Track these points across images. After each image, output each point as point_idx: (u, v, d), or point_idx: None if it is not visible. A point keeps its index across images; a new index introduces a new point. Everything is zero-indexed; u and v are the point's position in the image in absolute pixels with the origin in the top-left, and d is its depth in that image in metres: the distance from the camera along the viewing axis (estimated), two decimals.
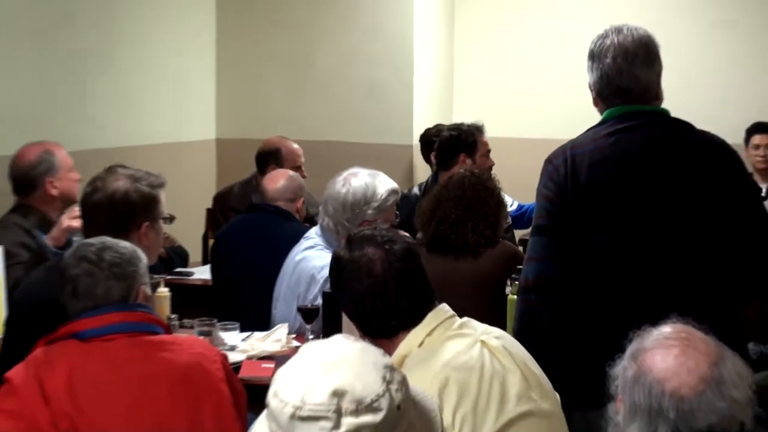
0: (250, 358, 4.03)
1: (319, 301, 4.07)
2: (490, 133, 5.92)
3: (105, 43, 6.75)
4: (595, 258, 3.12)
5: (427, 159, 6.59)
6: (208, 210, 6.62)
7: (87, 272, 2.91)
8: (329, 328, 3.60)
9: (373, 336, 2.64)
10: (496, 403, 2.57)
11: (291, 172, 5.29)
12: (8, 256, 4.35)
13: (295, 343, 4.13)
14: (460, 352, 2.63)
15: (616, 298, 3.11)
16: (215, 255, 5.13)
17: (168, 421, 2.81)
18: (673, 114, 3.24)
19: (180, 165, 7.18)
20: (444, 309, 2.77)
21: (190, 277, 5.56)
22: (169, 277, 5.20)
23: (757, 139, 7.21)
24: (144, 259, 3.04)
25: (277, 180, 5.13)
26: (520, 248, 4.74)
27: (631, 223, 3.10)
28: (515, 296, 3.52)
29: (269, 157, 6.09)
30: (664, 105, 3.27)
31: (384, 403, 1.82)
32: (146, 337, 2.90)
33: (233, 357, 3.91)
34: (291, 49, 7.89)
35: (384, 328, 2.66)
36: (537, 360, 2.79)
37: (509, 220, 5.45)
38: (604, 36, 3.21)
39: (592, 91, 3.25)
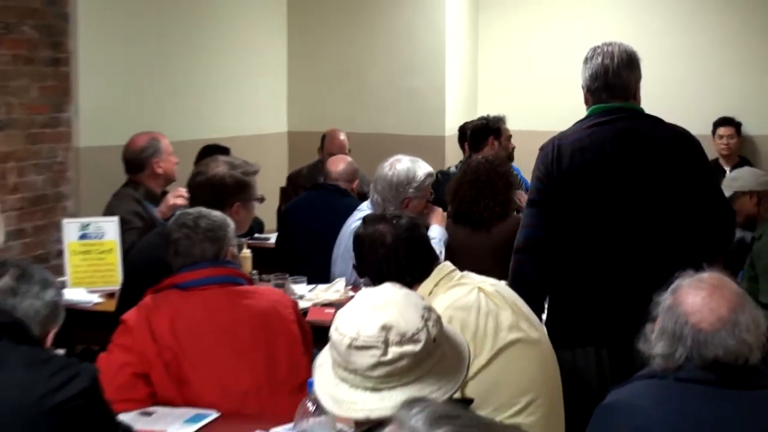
0: (315, 305, 4.05)
1: None
2: (509, 126, 6.08)
3: (194, 52, 6.75)
4: (575, 226, 3.11)
5: (462, 147, 6.59)
6: (282, 188, 6.64)
7: (186, 236, 2.93)
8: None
9: None
10: (491, 334, 2.60)
11: (349, 158, 5.27)
12: (123, 222, 4.39)
13: (351, 293, 4.12)
14: (461, 297, 2.66)
15: (592, 257, 3.10)
16: (284, 224, 5.09)
17: (249, 356, 2.83)
18: (651, 108, 3.20)
19: (258, 153, 7.17)
20: (447, 265, 2.80)
21: (267, 242, 5.56)
22: (250, 240, 5.24)
23: (721, 130, 7.29)
24: (232, 225, 3.04)
25: (339, 164, 5.11)
26: None
27: (605, 198, 3.08)
28: None
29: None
30: (645, 102, 3.24)
31: (422, 336, 1.82)
32: (233, 287, 2.92)
33: (302, 304, 3.92)
34: (347, 61, 7.92)
35: (401, 284, 2.68)
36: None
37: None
38: (595, 48, 3.21)
39: (583, 89, 3.22)
